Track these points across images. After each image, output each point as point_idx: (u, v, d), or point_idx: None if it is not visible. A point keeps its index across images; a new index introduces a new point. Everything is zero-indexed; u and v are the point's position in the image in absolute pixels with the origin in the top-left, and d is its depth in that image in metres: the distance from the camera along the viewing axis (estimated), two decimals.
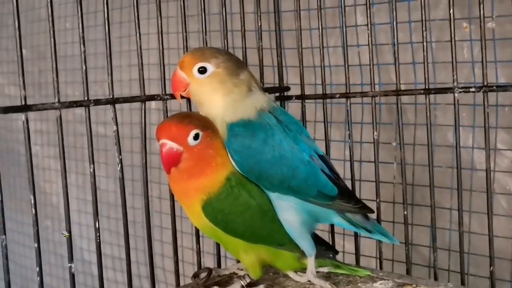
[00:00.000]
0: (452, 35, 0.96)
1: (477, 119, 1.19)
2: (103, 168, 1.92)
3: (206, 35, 1.06)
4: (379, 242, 1.08)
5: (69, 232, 0.93)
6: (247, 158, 0.89)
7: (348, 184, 1.05)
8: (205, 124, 0.89)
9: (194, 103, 0.97)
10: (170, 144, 0.85)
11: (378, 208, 1.08)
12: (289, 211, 0.93)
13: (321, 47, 1.11)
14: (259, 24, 1.14)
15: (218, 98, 0.91)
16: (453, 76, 0.97)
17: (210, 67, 0.91)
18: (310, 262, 0.96)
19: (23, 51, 0.86)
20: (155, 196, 1.76)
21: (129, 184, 1.78)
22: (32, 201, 0.85)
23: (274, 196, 0.92)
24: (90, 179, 0.93)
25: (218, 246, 1.10)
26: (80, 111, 1.99)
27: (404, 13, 1.25)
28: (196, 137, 0.86)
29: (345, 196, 0.96)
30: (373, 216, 1.02)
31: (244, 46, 1.12)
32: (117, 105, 0.96)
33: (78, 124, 1.98)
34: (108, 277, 1.93)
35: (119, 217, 0.98)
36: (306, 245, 0.94)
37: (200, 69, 0.91)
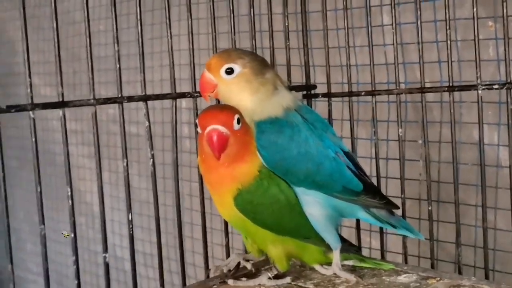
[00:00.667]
0: (476, 33, 0.98)
1: (502, 116, 1.20)
2: (135, 167, 1.97)
3: (234, 35, 1.10)
4: (404, 237, 1.10)
5: (104, 228, 0.96)
6: (273, 153, 0.92)
7: (374, 181, 1.07)
8: (239, 111, 0.92)
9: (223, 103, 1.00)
10: (221, 129, 0.87)
11: (403, 204, 1.10)
12: (314, 206, 0.95)
13: (347, 47, 1.14)
14: (287, 24, 1.17)
15: (245, 97, 0.94)
16: (476, 74, 0.98)
17: (237, 68, 0.94)
18: (336, 255, 0.98)
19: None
20: (186, 194, 1.80)
21: (161, 182, 1.82)
22: (69, 193, 0.88)
23: (299, 191, 0.95)
24: (124, 173, 0.97)
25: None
26: (112, 111, 2.06)
27: (429, 12, 1.27)
28: (238, 121, 0.89)
29: (370, 192, 0.98)
30: (398, 212, 1.04)
31: (272, 46, 1.15)
32: (149, 105, 0.99)
33: (111, 124, 2.03)
34: (140, 273, 1.98)
35: (151, 214, 1.02)
36: (331, 238, 0.97)
37: (228, 70, 0.94)
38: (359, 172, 0.99)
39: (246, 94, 0.94)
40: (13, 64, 2.55)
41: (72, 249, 0.92)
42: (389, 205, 1.00)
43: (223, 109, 0.90)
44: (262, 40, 1.38)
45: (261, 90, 0.94)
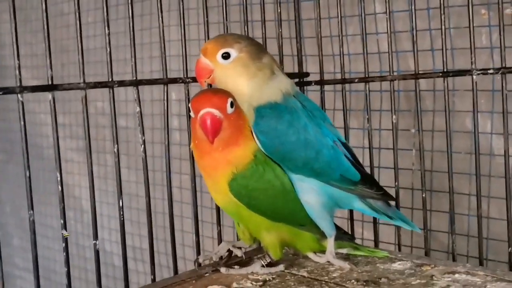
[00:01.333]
0: (471, 18, 0.97)
1: (495, 104, 1.20)
2: (124, 160, 1.95)
3: (226, 25, 1.08)
4: (398, 228, 1.09)
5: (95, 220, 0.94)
6: (272, 139, 0.91)
7: (368, 171, 1.07)
8: (232, 95, 0.91)
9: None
10: (214, 112, 0.86)
11: (397, 192, 1.09)
12: (311, 193, 0.94)
13: (340, 35, 1.13)
14: (279, 10, 1.16)
15: (243, 82, 0.93)
16: (471, 59, 0.98)
17: (233, 52, 0.92)
18: (330, 242, 0.98)
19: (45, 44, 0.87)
20: (176, 186, 1.78)
21: (150, 175, 1.80)
22: (59, 178, 0.87)
23: (296, 178, 0.94)
24: (114, 159, 0.95)
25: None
26: (101, 103, 2.04)
27: (422, 0, 1.26)
28: (231, 105, 0.88)
29: (367, 182, 0.98)
30: (392, 202, 1.03)
31: (264, 35, 1.14)
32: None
33: (99, 117, 2.01)
34: (129, 267, 1.95)
35: (140, 207, 1.00)
36: (326, 225, 0.96)
37: (224, 55, 0.92)
38: (356, 163, 0.98)
39: (243, 79, 0.92)
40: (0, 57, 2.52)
41: (62, 241, 0.90)
42: (385, 196, 1.00)
43: (216, 92, 0.89)
44: (253, 30, 1.37)
45: (258, 75, 0.93)
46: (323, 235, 0.98)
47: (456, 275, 0.90)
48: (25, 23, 2.30)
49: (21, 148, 0.84)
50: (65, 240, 0.90)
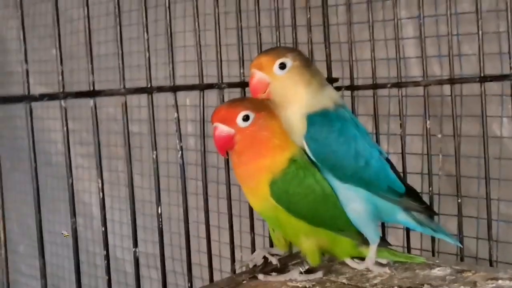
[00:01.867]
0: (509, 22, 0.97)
1: None
2: (137, 166, 1.93)
3: (259, 31, 1.09)
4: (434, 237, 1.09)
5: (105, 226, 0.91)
6: (323, 146, 0.91)
7: None
8: (258, 106, 0.90)
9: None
10: (220, 127, 0.88)
11: (432, 198, 1.09)
12: (358, 202, 0.94)
13: (371, 39, 1.13)
14: (309, 16, 1.16)
15: (300, 90, 0.92)
16: (510, 64, 0.98)
17: (288, 62, 0.92)
18: (372, 249, 0.97)
19: (54, 51, 0.86)
20: (192, 193, 1.76)
21: (164, 181, 1.79)
22: (70, 181, 0.84)
23: (344, 188, 0.93)
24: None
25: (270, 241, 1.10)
26: (112, 110, 2.02)
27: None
28: (246, 118, 0.88)
29: (412, 195, 0.98)
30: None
31: (295, 40, 1.14)
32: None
33: (111, 122, 2.00)
34: (143, 274, 1.94)
35: (154, 213, 0.99)
36: (372, 233, 0.96)
37: (281, 65, 0.92)
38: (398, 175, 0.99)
39: (301, 87, 0.92)
40: (5, 63, 2.49)
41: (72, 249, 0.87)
42: (429, 210, 1.00)
43: (231, 105, 0.90)
44: (272, 34, 1.36)
45: (313, 82, 0.93)
46: (361, 241, 0.97)
47: (500, 281, 0.90)
48: (33, 29, 2.28)
49: (28, 155, 0.80)
50: (106, 251, 0.88)
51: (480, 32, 1.00)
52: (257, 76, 0.93)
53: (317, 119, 0.91)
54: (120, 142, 2.04)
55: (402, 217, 0.99)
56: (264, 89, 0.93)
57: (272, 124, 0.90)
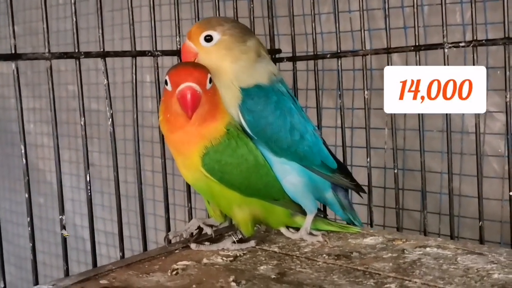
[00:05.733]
0: None
1: None
2: (95, 143, 1.92)
3: (197, 4, 1.07)
4: (370, 207, 1.10)
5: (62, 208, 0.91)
6: (259, 119, 0.91)
7: (340, 150, 1.07)
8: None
9: None
10: (195, 87, 0.85)
11: (369, 175, 1.09)
12: (293, 174, 0.94)
13: (312, 14, 1.12)
14: None
15: (226, 65, 0.92)
16: (443, 32, 0.97)
17: (216, 35, 0.91)
18: (308, 219, 0.97)
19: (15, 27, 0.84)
20: (148, 170, 1.75)
21: (122, 158, 1.78)
22: (22, 151, 0.84)
23: (278, 161, 0.93)
24: (81, 132, 0.93)
25: None
26: (72, 87, 2.00)
27: None
28: (210, 80, 0.87)
29: (343, 172, 0.99)
30: (365, 182, 1.05)
31: (235, 14, 1.12)
32: (108, 65, 0.96)
33: (70, 99, 1.98)
34: (101, 253, 1.93)
35: (112, 192, 0.97)
36: (309, 203, 0.96)
37: (206, 38, 0.91)
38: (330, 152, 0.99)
39: (227, 62, 0.92)
40: None
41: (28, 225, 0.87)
42: (359, 188, 1.01)
43: (196, 67, 0.88)
44: (225, 10, 1.35)
45: (242, 58, 0.92)
46: (296, 211, 0.97)
47: (428, 249, 0.90)
48: None
49: None
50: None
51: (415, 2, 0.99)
52: (186, 45, 0.93)
53: (253, 92, 0.91)
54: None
55: (330, 196, 1.00)
56: (192, 58, 0.92)
57: (218, 91, 0.90)
